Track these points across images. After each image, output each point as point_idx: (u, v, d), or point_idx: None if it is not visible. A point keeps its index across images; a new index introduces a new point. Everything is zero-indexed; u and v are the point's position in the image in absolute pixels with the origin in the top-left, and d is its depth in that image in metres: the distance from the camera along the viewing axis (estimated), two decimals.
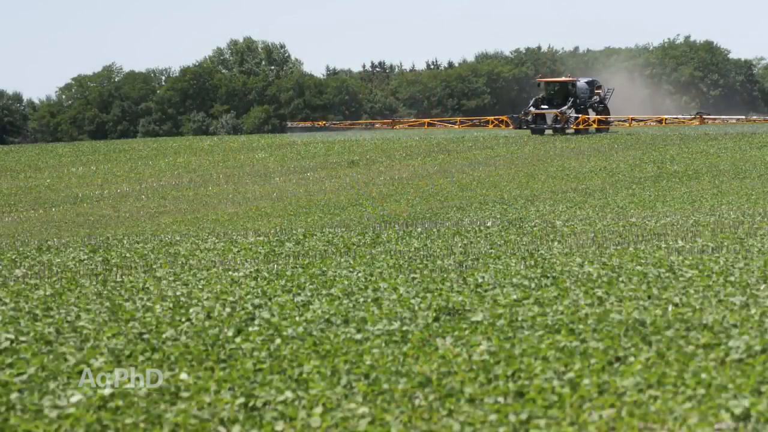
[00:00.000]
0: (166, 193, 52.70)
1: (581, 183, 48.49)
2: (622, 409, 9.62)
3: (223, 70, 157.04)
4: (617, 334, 12.35)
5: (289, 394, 10.32)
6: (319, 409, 9.85)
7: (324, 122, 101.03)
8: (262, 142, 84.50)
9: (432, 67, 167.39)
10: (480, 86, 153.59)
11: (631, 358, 11.21)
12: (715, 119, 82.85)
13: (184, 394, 10.47)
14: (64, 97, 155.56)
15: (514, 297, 15.33)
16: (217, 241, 27.58)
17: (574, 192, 44.13)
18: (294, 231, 30.11)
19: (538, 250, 22.48)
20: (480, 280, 17.30)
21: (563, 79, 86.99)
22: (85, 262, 23.47)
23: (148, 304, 16.20)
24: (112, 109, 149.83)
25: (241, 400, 10.25)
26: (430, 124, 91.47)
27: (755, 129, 75.77)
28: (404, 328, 13.24)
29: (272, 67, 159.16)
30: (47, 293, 17.97)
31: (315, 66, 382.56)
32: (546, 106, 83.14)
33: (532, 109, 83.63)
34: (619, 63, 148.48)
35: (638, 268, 18.23)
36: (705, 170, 51.67)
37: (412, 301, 15.36)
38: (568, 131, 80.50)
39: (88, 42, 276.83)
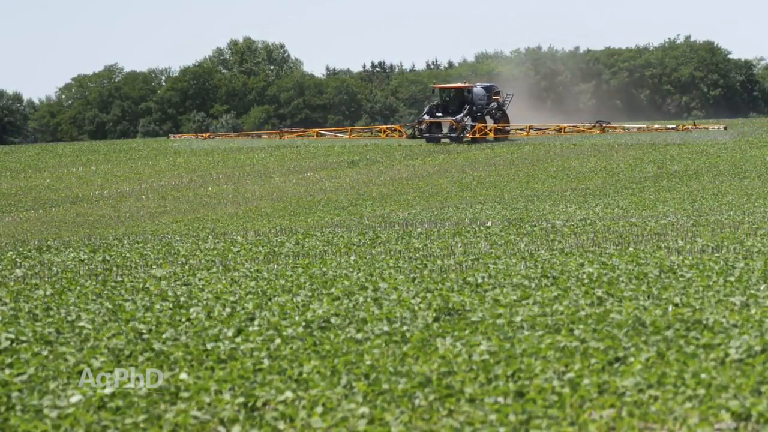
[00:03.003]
0: (166, 193, 52.71)
1: (581, 183, 48.49)
2: (622, 409, 9.62)
3: (223, 70, 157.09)
4: (617, 334, 12.35)
5: (289, 394, 10.32)
6: (319, 409, 9.84)
7: (208, 134, 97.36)
8: (262, 143, 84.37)
9: (432, 67, 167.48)
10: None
11: (631, 358, 11.21)
12: (615, 128, 78.98)
13: (184, 394, 10.47)
14: (64, 97, 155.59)
15: (514, 297, 15.34)
16: (217, 241, 27.59)
17: (574, 192, 44.12)
18: (294, 231, 30.12)
19: (538, 250, 22.48)
20: (480, 281, 17.31)
21: (459, 85, 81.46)
22: (85, 262, 23.47)
23: (148, 304, 16.20)
24: (112, 109, 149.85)
25: (241, 400, 10.25)
26: (319, 134, 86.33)
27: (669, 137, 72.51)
28: (404, 328, 13.24)
29: (272, 67, 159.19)
30: (47, 293, 17.97)
31: (315, 66, 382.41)
32: (441, 114, 78.03)
33: (426, 117, 78.59)
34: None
35: (638, 268, 18.23)
36: (705, 170, 51.68)
37: (412, 301, 15.37)
38: (465, 140, 76.15)
39: (88, 42, 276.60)
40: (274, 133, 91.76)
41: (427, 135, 77.33)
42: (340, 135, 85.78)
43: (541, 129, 79.34)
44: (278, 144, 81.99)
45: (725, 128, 75.55)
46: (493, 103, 78.82)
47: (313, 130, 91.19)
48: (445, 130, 77.66)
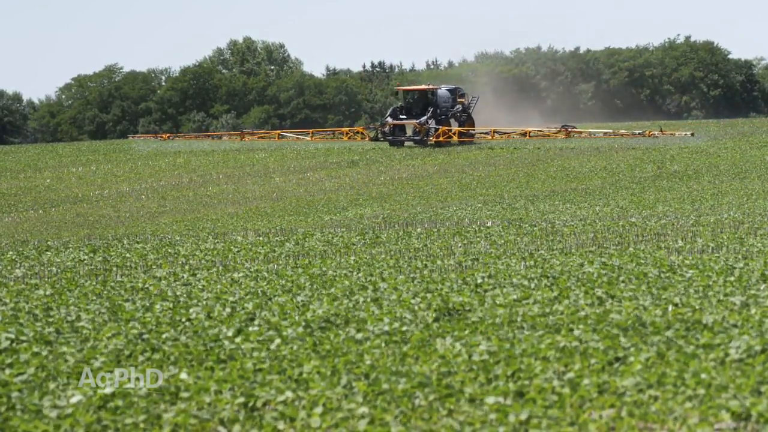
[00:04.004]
0: (166, 193, 52.70)
1: (581, 183, 48.50)
2: (622, 409, 9.62)
3: (223, 70, 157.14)
4: (617, 334, 12.35)
5: (289, 394, 10.32)
6: (319, 409, 9.84)
7: (168, 135, 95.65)
8: (262, 143, 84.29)
9: (432, 67, 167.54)
10: (480, 86, 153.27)
11: (631, 358, 11.21)
12: (581, 132, 76.61)
13: (184, 394, 10.47)
14: (64, 97, 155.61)
15: (514, 297, 15.34)
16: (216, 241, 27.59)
17: (574, 192, 44.13)
18: (294, 231, 30.12)
19: (538, 250, 22.49)
20: (480, 281, 17.31)
21: (423, 87, 79.61)
22: (85, 262, 23.47)
23: (148, 304, 16.20)
24: (112, 109, 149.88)
25: (241, 400, 10.24)
26: (281, 136, 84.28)
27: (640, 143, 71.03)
28: (404, 328, 13.24)
29: (272, 67, 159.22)
30: (47, 293, 17.97)
31: (315, 66, 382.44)
32: (404, 117, 76.59)
33: (389, 119, 76.88)
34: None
35: (638, 268, 18.23)
36: (705, 170, 51.69)
37: (412, 301, 15.36)
38: (428, 143, 74.80)
39: (88, 42, 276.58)
40: (236, 134, 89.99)
41: (390, 138, 75.91)
42: (301, 137, 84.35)
43: (505, 133, 77.48)
44: (278, 144, 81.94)
45: (692, 134, 74.54)
46: (457, 106, 77.04)
47: (275, 132, 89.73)
48: (408, 132, 76.15)
